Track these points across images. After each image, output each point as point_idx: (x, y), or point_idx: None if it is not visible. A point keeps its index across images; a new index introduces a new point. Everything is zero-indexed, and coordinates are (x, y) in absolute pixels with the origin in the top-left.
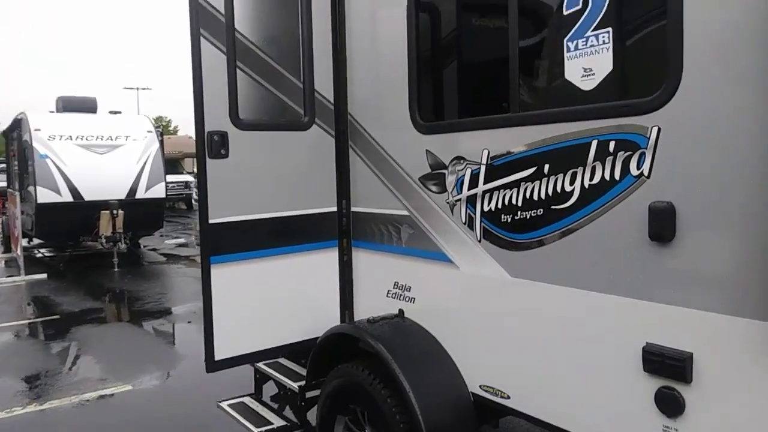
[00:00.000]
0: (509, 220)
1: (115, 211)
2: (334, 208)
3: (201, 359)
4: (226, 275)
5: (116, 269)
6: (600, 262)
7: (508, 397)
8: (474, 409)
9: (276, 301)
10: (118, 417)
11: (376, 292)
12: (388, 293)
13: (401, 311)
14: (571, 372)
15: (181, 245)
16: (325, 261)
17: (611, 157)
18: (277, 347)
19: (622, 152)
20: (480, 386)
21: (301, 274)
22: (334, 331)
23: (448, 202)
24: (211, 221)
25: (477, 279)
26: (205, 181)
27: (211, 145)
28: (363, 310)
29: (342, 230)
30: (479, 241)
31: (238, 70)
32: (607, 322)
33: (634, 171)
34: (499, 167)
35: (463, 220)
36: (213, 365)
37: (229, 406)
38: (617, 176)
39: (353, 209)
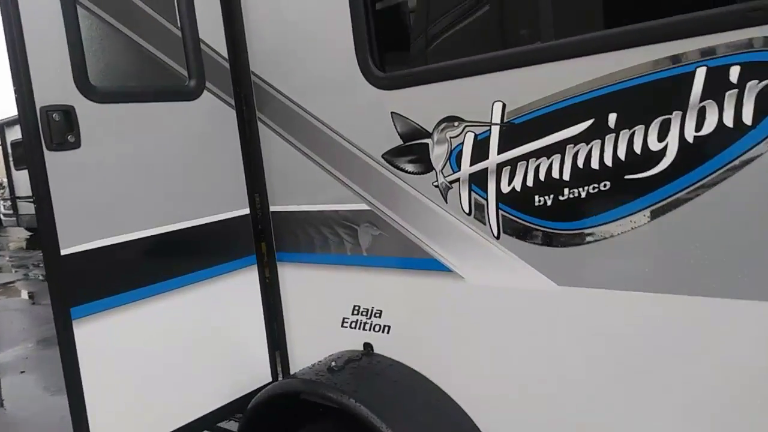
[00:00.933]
0: (549, 202)
1: None
2: (246, 210)
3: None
4: (98, 333)
5: None
6: (727, 252)
7: None
8: None
9: (176, 358)
10: None
11: (322, 323)
12: (343, 323)
13: (368, 346)
14: (680, 421)
15: None
16: (240, 287)
17: (734, 92)
18: (186, 426)
19: (755, 81)
20: None
21: (209, 311)
22: (277, 391)
23: (436, 186)
24: (65, 252)
25: (497, 293)
26: (47, 188)
27: (49, 128)
28: (303, 351)
29: (259, 240)
30: (497, 238)
31: (80, 9)
32: (750, 341)
33: None
34: (524, 126)
35: (467, 209)
36: None
37: None
38: (748, 119)
39: (273, 209)
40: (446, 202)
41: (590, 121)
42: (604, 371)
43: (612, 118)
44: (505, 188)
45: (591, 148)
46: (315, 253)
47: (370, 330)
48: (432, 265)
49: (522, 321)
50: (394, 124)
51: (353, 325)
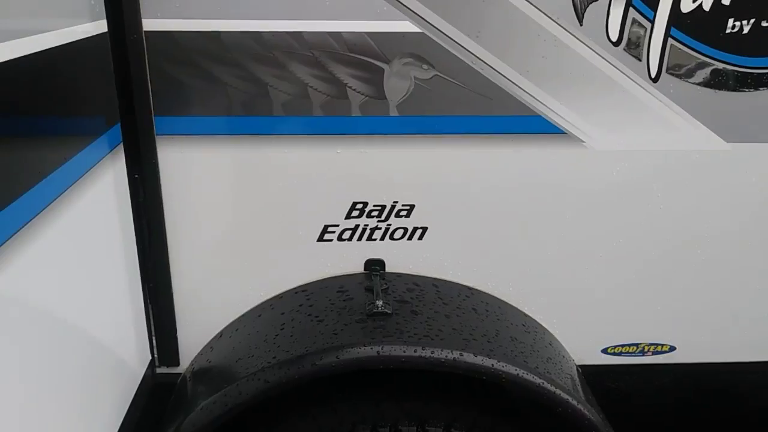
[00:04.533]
0: (747, 29)
1: None
2: (100, 27)
3: None
4: None
5: None
6: None
7: (673, 349)
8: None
9: None
10: None
11: (264, 242)
12: (325, 234)
13: (375, 263)
14: None
15: None
16: (90, 207)
17: None
18: None
19: None
20: (605, 350)
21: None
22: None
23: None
24: None
25: (639, 160)
26: None
27: None
28: (215, 301)
29: (127, 97)
30: (654, 80)
31: None
32: None
33: None
34: None
35: (615, 36)
36: None
37: None
38: None
39: (150, 26)
40: (581, 25)
41: None
42: None
43: None
44: (688, 5)
45: None
46: (254, 117)
47: (384, 238)
48: (533, 126)
49: (676, 195)
50: None
51: (347, 235)
